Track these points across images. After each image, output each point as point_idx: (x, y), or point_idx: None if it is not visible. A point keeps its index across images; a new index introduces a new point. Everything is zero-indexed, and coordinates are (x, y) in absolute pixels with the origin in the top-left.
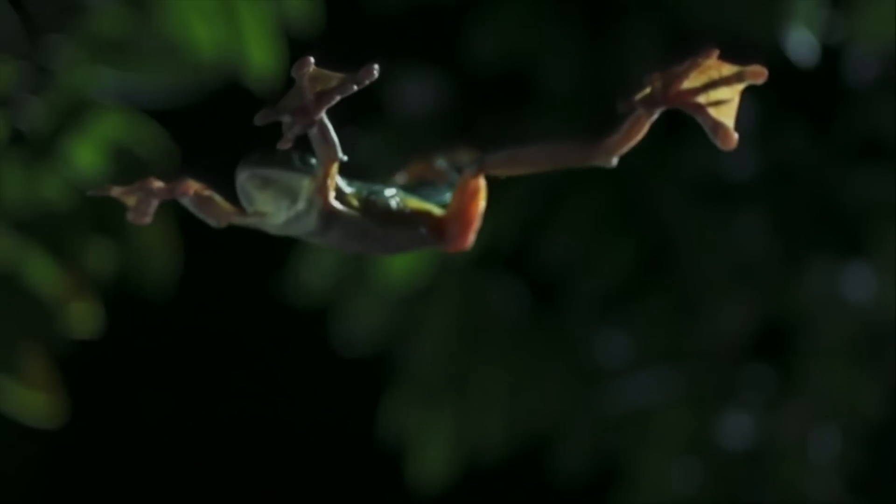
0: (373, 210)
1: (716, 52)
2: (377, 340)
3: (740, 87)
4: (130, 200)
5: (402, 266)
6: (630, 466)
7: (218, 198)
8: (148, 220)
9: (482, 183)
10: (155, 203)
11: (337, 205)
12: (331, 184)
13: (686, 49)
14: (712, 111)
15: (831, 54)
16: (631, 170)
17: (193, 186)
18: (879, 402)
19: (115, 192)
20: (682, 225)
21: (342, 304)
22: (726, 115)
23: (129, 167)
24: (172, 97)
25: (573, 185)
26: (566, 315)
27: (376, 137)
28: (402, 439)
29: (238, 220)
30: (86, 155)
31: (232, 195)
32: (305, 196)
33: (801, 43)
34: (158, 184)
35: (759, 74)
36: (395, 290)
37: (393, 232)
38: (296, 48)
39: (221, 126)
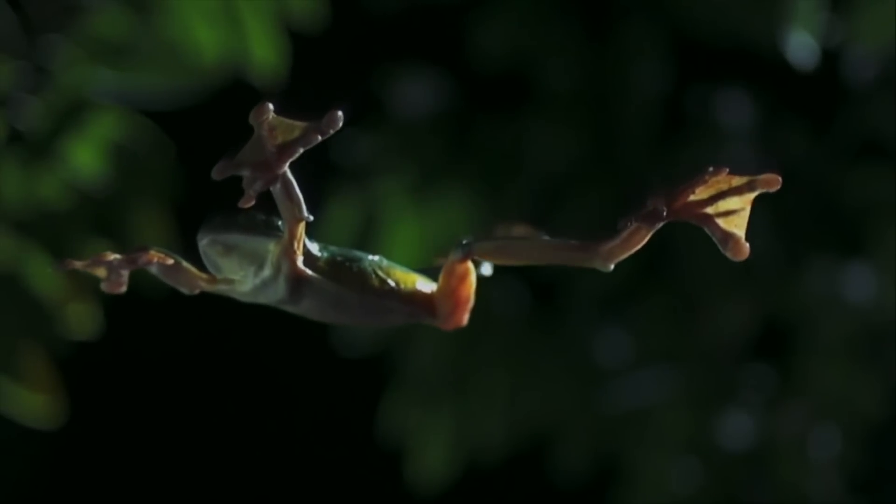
0: (348, 276)
1: (724, 171)
2: (377, 340)
3: (751, 196)
4: (100, 272)
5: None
6: (630, 466)
7: (185, 265)
8: (122, 289)
9: (469, 267)
10: (125, 272)
11: (306, 270)
12: (298, 247)
13: (682, 173)
14: (721, 222)
15: (831, 55)
16: (631, 170)
17: (156, 255)
18: (879, 402)
19: (80, 265)
20: (682, 225)
21: None
22: (737, 226)
23: (127, 167)
24: (172, 98)
25: (573, 185)
26: (566, 315)
27: (376, 137)
28: (402, 439)
29: (208, 288)
30: (84, 155)
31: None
32: (271, 261)
33: (801, 45)
34: (116, 256)
35: (772, 183)
36: None
37: (373, 302)
38: (298, 46)
39: (222, 127)
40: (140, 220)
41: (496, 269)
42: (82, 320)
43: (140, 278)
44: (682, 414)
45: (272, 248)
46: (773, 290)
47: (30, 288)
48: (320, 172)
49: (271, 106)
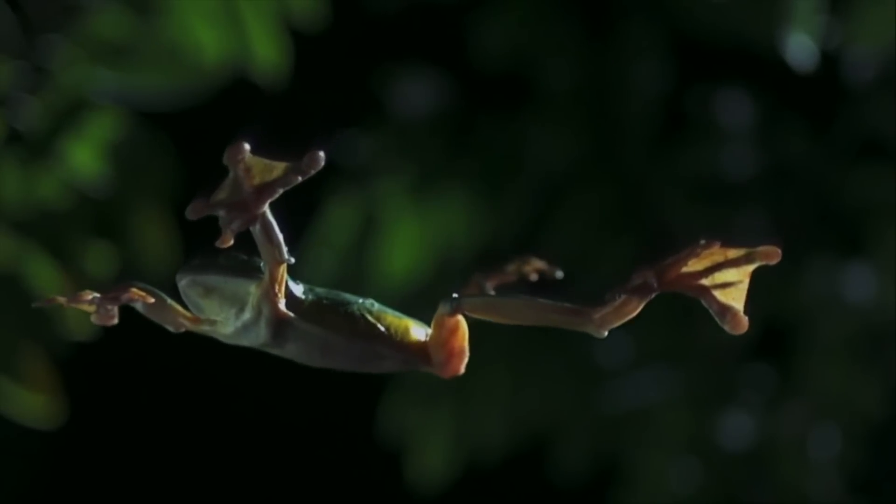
0: (334, 320)
1: (716, 244)
2: None
3: (749, 268)
4: (89, 308)
5: (402, 266)
6: (630, 466)
7: (169, 303)
8: (114, 321)
9: (459, 320)
10: (113, 307)
11: (289, 314)
12: (280, 290)
13: (675, 242)
14: (718, 294)
15: (831, 55)
16: (631, 170)
17: (138, 293)
18: (879, 402)
19: (63, 301)
20: (682, 224)
21: None
22: (735, 298)
23: (128, 168)
24: (173, 99)
25: (573, 185)
26: None
27: (376, 137)
28: (402, 439)
29: (192, 328)
30: (83, 155)
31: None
32: (252, 304)
33: (800, 47)
34: (95, 295)
35: (771, 256)
36: (396, 290)
37: (362, 348)
38: (298, 46)
39: (223, 127)
40: (140, 221)
41: (496, 268)
42: (82, 321)
43: (139, 275)
44: (682, 414)
45: (253, 290)
46: (773, 290)
47: (30, 288)
48: (320, 172)
49: (247, 146)
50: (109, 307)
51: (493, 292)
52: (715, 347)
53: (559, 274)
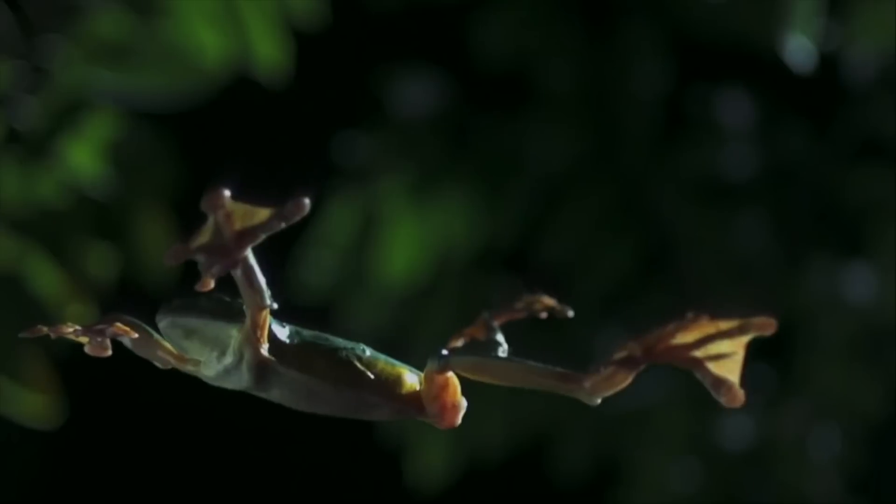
0: (321, 367)
1: (705, 317)
2: (378, 340)
3: (744, 340)
4: (82, 338)
5: (402, 266)
6: (630, 466)
7: (156, 338)
8: (107, 353)
9: (449, 377)
10: (104, 338)
11: (271, 359)
12: (262, 335)
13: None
14: (712, 366)
15: (831, 56)
16: (631, 170)
17: (122, 328)
18: (879, 402)
19: (46, 331)
20: (682, 225)
21: (343, 303)
22: (730, 371)
23: (128, 168)
24: (174, 100)
25: (573, 185)
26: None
27: (376, 137)
28: (402, 439)
29: (178, 366)
30: (82, 156)
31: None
32: (234, 348)
33: (799, 49)
34: (77, 327)
35: (766, 327)
36: (396, 290)
37: (349, 395)
38: (298, 46)
39: (224, 127)
40: (142, 222)
41: (497, 268)
42: (82, 321)
43: (139, 276)
44: (682, 414)
45: (235, 333)
46: (773, 290)
47: (30, 288)
48: (320, 172)
49: (227, 192)
50: (100, 339)
51: (500, 335)
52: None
53: (570, 313)
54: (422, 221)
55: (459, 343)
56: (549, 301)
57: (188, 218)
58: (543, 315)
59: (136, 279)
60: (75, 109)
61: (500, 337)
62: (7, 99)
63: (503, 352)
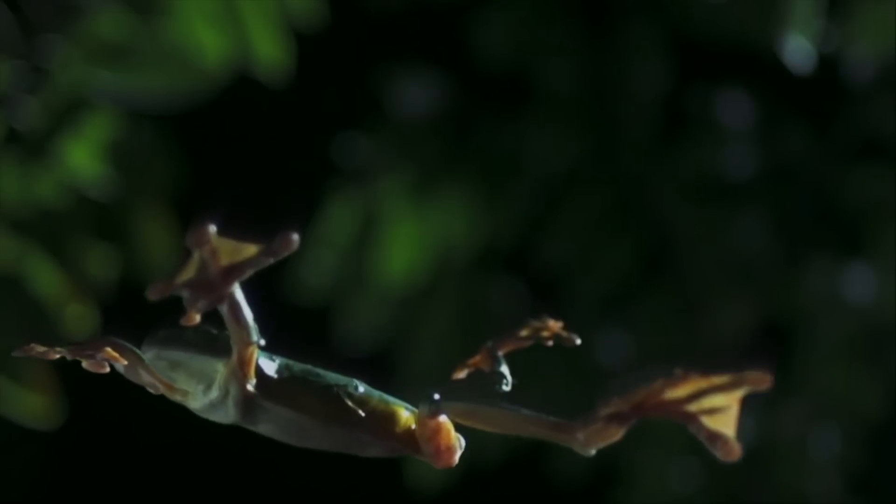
0: (310, 404)
1: (693, 374)
2: (377, 340)
3: (738, 394)
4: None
5: (402, 266)
6: (630, 466)
7: (146, 364)
8: (104, 370)
9: (442, 421)
10: (94, 360)
11: (258, 396)
12: (249, 370)
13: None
14: (707, 421)
15: (830, 56)
16: (631, 170)
17: (111, 353)
18: (879, 402)
19: (38, 352)
20: (682, 225)
21: (342, 303)
22: (724, 425)
23: (129, 168)
24: (172, 100)
25: (573, 185)
26: (566, 315)
27: (376, 137)
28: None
29: (167, 394)
30: (81, 156)
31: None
32: (220, 383)
33: (798, 50)
34: (64, 351)
35: (761, 382)
36: (396, 290)
37: (339, 432)
38: (299, 45)
39: (226, 127)
40: (143, 222)
41: (497, 268)
42: (81, 321)
43: (140, 276)
44: None
45: (221, 368)
46: (773, 290)
47: (30, 288)
48: (320, 172)
49: (212, 228)
50: (91, 361)
51: (504, 366)
52: (715, 347)
53: (577, 340)
54: (422, 221)
55: (462, 374)
56: (555, 326)
57: (188, 218)
58: (549, 343)
59: (137, 279)
60: (75, 109)
61: (504, 368)
62: (6, 99)
63: (507, 384)
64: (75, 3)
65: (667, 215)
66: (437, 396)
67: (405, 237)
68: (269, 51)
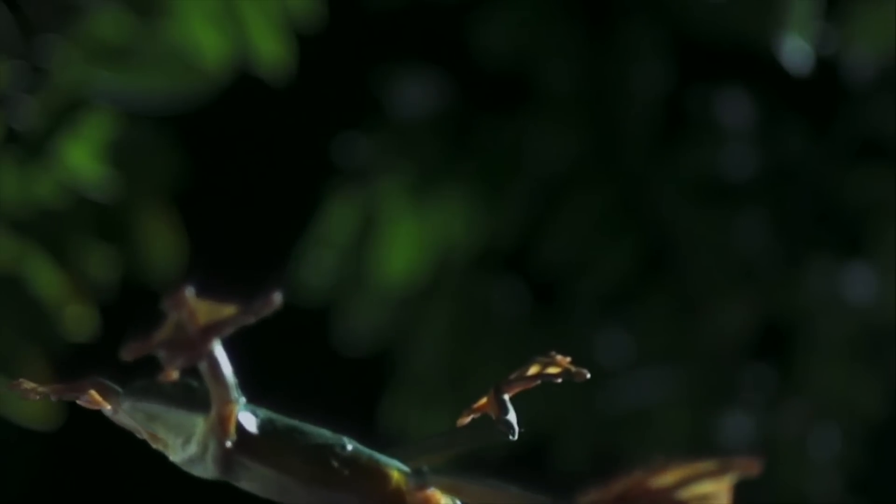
0: (291, 462)
1: (675, 462)
2: (377, 340)
3: (727, 479)
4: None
5: (402, 266)
6: (630, 466)
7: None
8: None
9: (431, 493)
10: (78, 400)
11: (237, 454)
12: (227, 427)
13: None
14: None
15: (830, 56)
16: (631, 170)
17: (95, 397)
18: (879, 402)
19: (25, 389)
20: (682, 225)
21: (342, 303)
22: None
23: (129, 168)
24: (172, 101)
25: (573, 186)
26: (566, 315)
27: (376, 137)
28: (403, 436)
29: (150, 441)
30: (81, 156)
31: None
32: (198, 439)
33: (797, 51)
34: (48, 390)
35: (749, 467)
36: (395, 290)
37: (324, 493)
38: (299, 45)
39: (227, 127)
40: (144, 223)
41: (497, 268)
42: (81, 321)
43: (140, 277)
44: (682, 414)
45: (200, 423)
46: (773, 290)
47: (30, 289)
48: (320, 172)
49: (190, 290)
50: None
51: (511, 413)
52: (715, 347)
53: (586, 374)
54: (422, 221)
55: (468, 419)
56: (563, 362)
57: (189, 218)
58: (558, 380)
59: (137, 279)
60: (74, 109)
61: (511, 416)
62: (6, 99)
63: (514, 435)
64: (75, 3)
65: (667, 215)
66: (424, 469)
67: (405, 237)
68: (270, 50)
